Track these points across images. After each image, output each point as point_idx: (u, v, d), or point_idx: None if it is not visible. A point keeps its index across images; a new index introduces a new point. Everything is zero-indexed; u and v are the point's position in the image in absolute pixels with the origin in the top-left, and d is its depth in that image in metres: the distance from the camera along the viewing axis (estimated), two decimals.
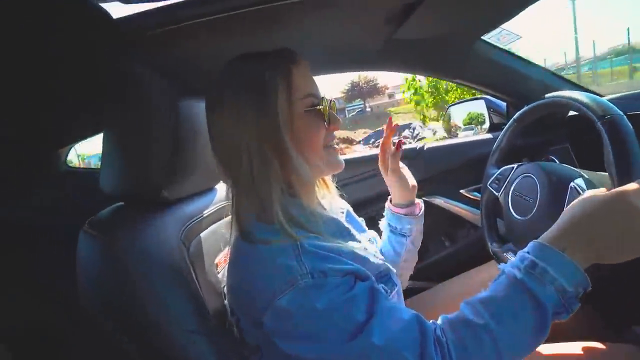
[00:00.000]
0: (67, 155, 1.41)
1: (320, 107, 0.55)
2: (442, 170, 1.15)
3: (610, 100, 0.54)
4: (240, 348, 0.53)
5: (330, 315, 0.42)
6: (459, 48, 0.93)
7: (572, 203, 0.45)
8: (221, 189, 0.82)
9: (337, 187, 0.70)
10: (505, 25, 0.88)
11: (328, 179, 0.68)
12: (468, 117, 1.43)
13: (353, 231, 0.60)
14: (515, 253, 0.68)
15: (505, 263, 0.67)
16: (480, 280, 0.85)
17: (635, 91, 0.88)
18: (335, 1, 0.61)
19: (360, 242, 0.59)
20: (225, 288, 0.60)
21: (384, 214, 0.76)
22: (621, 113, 0.49)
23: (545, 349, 0.64)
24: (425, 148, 1.17)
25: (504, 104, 1.18)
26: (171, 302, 0.50)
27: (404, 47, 0.91)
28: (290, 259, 0.44)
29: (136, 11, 0.61)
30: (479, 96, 1.32)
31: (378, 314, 0.43)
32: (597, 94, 0.96)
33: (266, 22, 0.63)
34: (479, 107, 1.32)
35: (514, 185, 0.71)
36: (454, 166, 1.12)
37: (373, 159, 1.21)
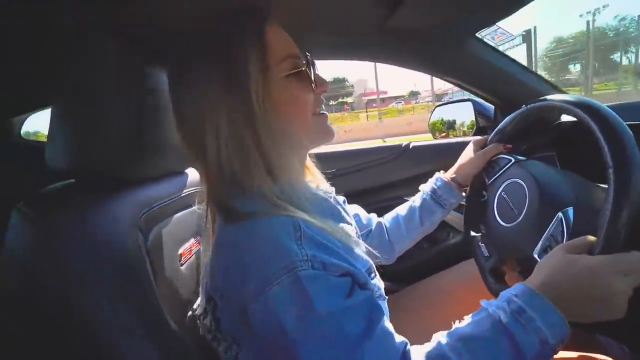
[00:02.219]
0: (21, 127, 1.27)
1: (303, 68, 0.48)
2: (427, 170, 1.12)
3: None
4: (207, 343, 0.46)
5: (328, 321, 0.36)
6: (453, 43, 0.90)
7: (557, 256, 0.45)
8: (194, 172, 0.75)
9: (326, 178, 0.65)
10: (501, 24, 0.85)
11: (310, 163, 0.63)
12: (439, 123, 1.41)
13: (344, 213, 0.55)
14: (487, 246, 0.68)
15: (476, 252, 0.69)
16: (454, 281, 0.85)
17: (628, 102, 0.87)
18: None
19: (351, 224, 0.56)
20: (203, 273, 0.52)
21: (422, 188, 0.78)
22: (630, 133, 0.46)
23: None
24: (410, 146, 1.14)
25: (491, 107, 1.17)
26: (116, 300, 0.42)
27: (397, 37, 0.86)
28: (290, 239, 0.38)
29: None
30: (466, 98, 1.30)
31: (374, 336, 0.37)
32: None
33: None
34: (466, 109, 1.30)
35: (504, 185, 0.67)
36: (439, 167, 1.10)
37: (370, 151, 1.16)
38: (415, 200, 0.77)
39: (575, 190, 0.58)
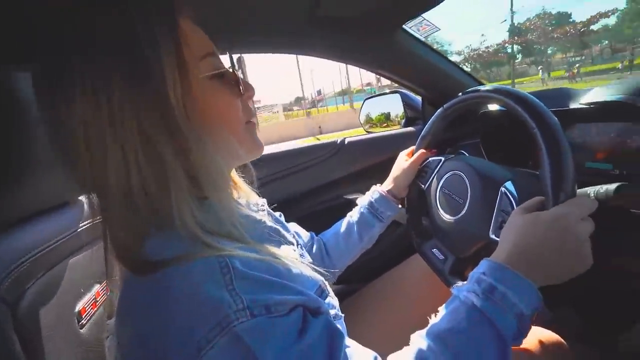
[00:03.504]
0: None
1: (227, 68, 0.41)
2: (364, 166, 1.09)
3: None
4: None
5: None
6: (380, 35, 0.87)
7: (515, 221, 0.44)
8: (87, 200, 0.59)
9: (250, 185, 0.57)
10: (426, 15, 0.85)
11: (234, 175, 0.54)
12: (383, 116, 1.41)
13: (283, 232, 0.50)
14: (440, 249, 0.68)
15: (430, 259, 0.68)
16: (407, 277, 0.84)
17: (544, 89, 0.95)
18: None
19: (293, 244, 0.52)
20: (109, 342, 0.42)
21: (358, 201, 0.78)
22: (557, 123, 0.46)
23: None
24: (346, 142, 1.10)
25: (419, 98, 1.19)
26: None
27: (327, 28, 0.80)
28: (218, 286, 0.31)
29: None
30: (394, 90, 1.31)
31: None
32: None
33: None
34: (394, 101, 1.31)
35: (442, 181, 0.68)
36: (375, 161, 1.08)
37: (303, 151, 1.09)
38: (353, 215, 0.76)
39: (506, 168, 0.61)
